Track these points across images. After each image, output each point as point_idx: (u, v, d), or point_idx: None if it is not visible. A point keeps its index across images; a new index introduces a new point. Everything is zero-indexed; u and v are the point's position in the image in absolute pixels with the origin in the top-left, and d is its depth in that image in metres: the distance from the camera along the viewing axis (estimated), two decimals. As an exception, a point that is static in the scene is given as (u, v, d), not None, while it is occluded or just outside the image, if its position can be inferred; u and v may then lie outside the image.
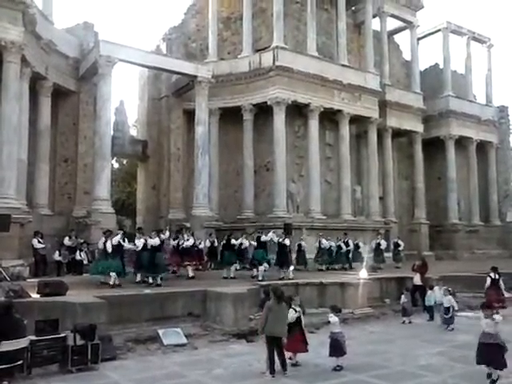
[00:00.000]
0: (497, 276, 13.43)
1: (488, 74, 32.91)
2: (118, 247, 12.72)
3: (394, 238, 23.48)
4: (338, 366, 7.77)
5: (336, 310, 8.30)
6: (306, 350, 8.11)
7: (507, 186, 32.71)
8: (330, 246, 18.94)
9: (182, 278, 15.02)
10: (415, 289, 14.09)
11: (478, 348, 6.94)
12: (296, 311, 8.06)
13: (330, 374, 7.66)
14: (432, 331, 11.25)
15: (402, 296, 12.61)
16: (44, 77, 18.46)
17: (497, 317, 6.84)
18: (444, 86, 30.47)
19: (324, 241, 18.81)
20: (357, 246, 20.15)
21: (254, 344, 9.52)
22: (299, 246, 18.30)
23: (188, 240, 15.40)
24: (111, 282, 12.36)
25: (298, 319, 8.05)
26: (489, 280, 13.39)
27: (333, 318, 8.12)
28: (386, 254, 20.88)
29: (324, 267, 18.60)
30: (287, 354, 7.83)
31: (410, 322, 12.07)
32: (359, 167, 26.13)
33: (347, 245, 19.49)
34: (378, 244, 20.63)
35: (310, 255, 18.84)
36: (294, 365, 7.96)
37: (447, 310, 11.41)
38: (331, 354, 7.90)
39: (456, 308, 11.49)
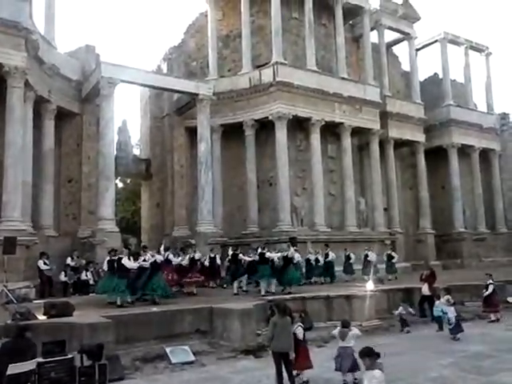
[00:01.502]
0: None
1: (487, 82, 33.03)
2: (122, 266, 12.70)
3: (389, 250, 22.56)
4: (344, 380, 7.72)
5: (344, 325, 8.21)
6: (312, 366, 8.03)
7: (512, 193, 32.60)
8: (309, 260, 18.14)
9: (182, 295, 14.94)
10: (423, 299, 14.01)
11: None
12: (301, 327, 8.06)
13: (340, 389, 7.60)
14: (442, 342, 11.12)
15: (400, 308, 12.67)
16: (47, 100, 18.71)
17: (378, 374, 5.15)
18: (444, 95, 30.59)
19: (297, 255, 17.38)
20: (348, 258, 19.60)
21: (263, 360, 9.43)
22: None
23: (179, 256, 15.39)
24: (118, 303, 12.29)
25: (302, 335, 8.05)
26: (491, 287, 13.70)
27: (334, 332, 8.13)
28: (379, 266, 20.25)
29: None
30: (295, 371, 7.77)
31: (408, 332, 11.97)
32: (362, 179, 26.13)
33: (327, 257, 18.63)
34: (366, 256, 19.90)
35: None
36: (305, 382, 7.88)
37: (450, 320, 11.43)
38: (336, 369, 7.88)
39: (452, 320, 11.32)
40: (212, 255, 17.15)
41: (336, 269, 19.27)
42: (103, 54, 21.55)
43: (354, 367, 7.64)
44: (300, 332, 7.95)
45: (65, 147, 20.49)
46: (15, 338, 7.18)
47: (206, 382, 8.12)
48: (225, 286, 16.99)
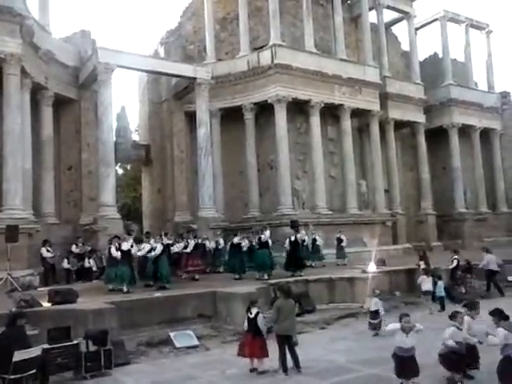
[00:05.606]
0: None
1: (488, 61, 32.68)
2: (127, 253, 12.74)
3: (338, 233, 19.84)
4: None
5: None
6: (267, 356, 7.70)
7: (513, 173, 32.49)
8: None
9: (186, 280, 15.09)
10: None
11: None
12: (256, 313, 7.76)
13: (344, 370, 7.67)
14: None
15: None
16: (44, 87, 18.55)
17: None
18: (444, 74, 30.28)
19: (221, 241, 17.23)
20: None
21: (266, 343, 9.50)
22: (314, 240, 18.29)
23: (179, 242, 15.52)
24: (125, 290, 12.33)
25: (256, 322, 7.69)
26: (455, 262, 14.63)
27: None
28: (325, 251, 19.15)
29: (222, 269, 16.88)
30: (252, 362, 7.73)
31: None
32: (363, 161, 26.03)
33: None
34: (314, 240, 18.53)
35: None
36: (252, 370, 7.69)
37: (374, 313, 10.29)
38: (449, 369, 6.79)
39: (383, 313, 10.33)
40: (215, 241, 17.32)
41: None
42: (99, 40, 21.34)
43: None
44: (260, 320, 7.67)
45: (63, 134, 20.39)
46: (6, 327, 7.19)
47: (211, 366, 8.22)
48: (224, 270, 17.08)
